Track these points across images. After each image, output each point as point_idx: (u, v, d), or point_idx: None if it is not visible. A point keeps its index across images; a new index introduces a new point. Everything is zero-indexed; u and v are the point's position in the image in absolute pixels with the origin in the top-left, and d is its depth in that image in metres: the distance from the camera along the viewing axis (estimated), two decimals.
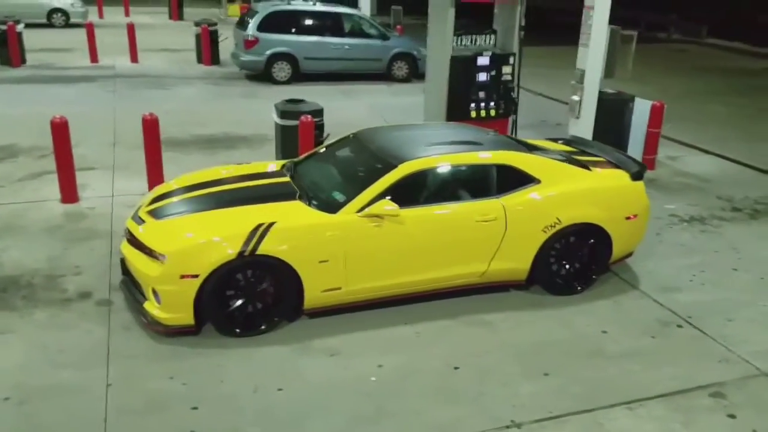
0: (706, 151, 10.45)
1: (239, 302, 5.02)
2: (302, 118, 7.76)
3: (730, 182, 9.10)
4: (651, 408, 4.45)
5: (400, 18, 17.20)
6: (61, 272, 6.02)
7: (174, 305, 4.92)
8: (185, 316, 4.96)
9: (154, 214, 5.38)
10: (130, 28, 16.49)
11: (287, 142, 7.99)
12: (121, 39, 17.59)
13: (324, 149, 6.39)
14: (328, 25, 14.97)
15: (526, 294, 5.86)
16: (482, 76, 8.37)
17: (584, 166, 5.99)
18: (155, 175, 7.82)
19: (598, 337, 5.29)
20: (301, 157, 6.42)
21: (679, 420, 4.34)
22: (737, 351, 5.13)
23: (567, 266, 5.83)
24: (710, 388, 4.67)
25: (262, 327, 5.13)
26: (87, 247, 6.51)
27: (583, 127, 9.21)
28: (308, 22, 14.81)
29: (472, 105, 8.40)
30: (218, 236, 4.91)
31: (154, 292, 4.97)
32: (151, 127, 7.70)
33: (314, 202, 5.32)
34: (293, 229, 5.03)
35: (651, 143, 9.42)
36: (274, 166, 6.24)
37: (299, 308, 5.23)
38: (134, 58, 16.59)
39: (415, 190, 5.40)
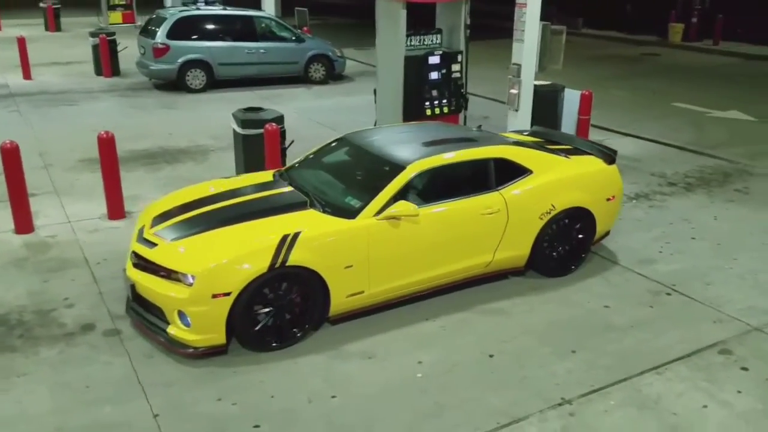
0: (626, 134, 11.28)
1: (270, 316, 4.96)
2: (267, 126, 7.67)
3: (657, 160, 9.90)
4: (675, 370, 4.86)
5: (305, 19, 17.12)
6: (50, 306, 5.65)
7: (205, 326, 4.79)
8: (217, 336, 4.84)
9: (164, 235, 5.18)
10: (21, 42, 15.36)
11: (251, 152, 7.86)
12: (3, 54, 16.39)
13: (313, 156, 6.38)
14: (242, 29, 14.69)
15: (524, 279, 6.16)
16: (434, 75, 8.62)
17: (563, 154, 6.37)
18: (115, 197, 7.46)
19: (603, 312, 5.67)
20: (291, 165, 6.37)
21: (702, 378, 4.77)
22: (725, 311, 5.68)
23: (560, 249, 6.18)
24: (717, 347, 5.16)
25: (298, 335, 5.10)
26: (66, 277, 6.14)
27: (522, 118, 9.69)
28: (220, 27, 14.47)
29: (427, 103, 8.63)
30: (246, 251, 4.82)
31: (181, 314, 4.81)
32: (107, 145, 7.33)
33: (327, 209, 5.34)
34: (318, 237, 5.03)
35: (582, 129, 10.06)
36: (265, 176, 6.16)
37: (324, 316, 5.24)
38: (27, 75, 15.48)
39: (424, 189, 5.54)
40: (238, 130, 7.91)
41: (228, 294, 4.73)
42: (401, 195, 5.33)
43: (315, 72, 15.46)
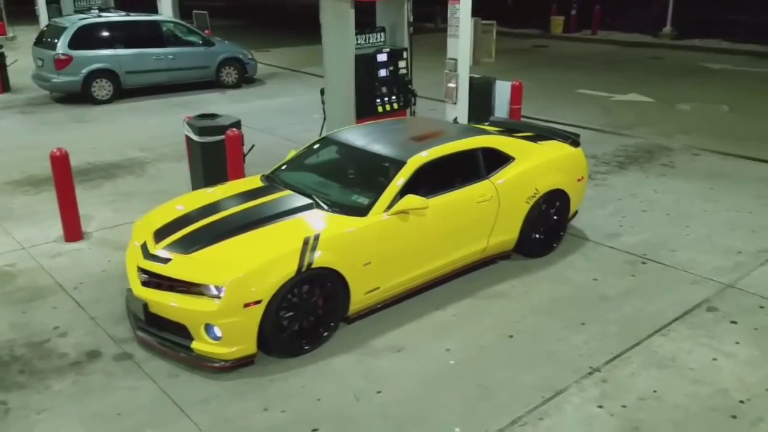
0: (548, 121, 11.91)
1: (298, 320, 4.92)
2: (228, 132, 7.49)
3: (583, 143, 10.45)
4: (677, 330, 5.30)
5: (206, 22, 16.68)
6: (41, 337, 5.28)
7: (237, 337, 4.68)
8: (248, 347, 4.75)
9: (176, 248, 4.99)
10: None
11: (211, 160, 7.63)
12: None
13: (298, 158, 6.32)
14: (148, 35, 14.10)
15: (511, 263, 6.44)
16: (383, 72, 8.74)
17: (534, 141, 6.72)
18: (72, 218, 7.02)
19: (594, 285, 6.05)
20: (275, 168, 6.28)
21: (702, 335, 5.23)
22: (698, 273, 6.23)
23: (542, 230, 6.51)
24: (703, 306, 5.66)
25: (325, 335, 5.09)
26: (46, 306, 5.75)
27: (461, 110, 10.01)
28: (125, 33, 13.82)
29: (378, 100, 8.74)
30: (273, 257, 4.75)
31: (208, 328, 4.68)
32: (61, 164, 6.89)
33: (336, 209, 5.34)
34: (337, 237, 5.04)
35: (515, 118, 10.53)
36: (253, 182, 6.05)
37: (343, 315, 5.25)
38: None
39: (424, 182, 5.66)
40: (195, 138, 7.65)
41: (259, 302, 4.64)
42: (406, 190, 5.43)
43: (227, 76, 15.13)
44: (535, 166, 6.30)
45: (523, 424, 4.27)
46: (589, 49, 20.87)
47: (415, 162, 5.57)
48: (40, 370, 4.87)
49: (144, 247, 5.16)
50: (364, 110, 8.62)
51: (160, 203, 7.81)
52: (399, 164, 5.56)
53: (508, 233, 6.18)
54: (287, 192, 5.64)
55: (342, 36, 8.35)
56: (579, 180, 6.75)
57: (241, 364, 4.80)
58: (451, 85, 9.88)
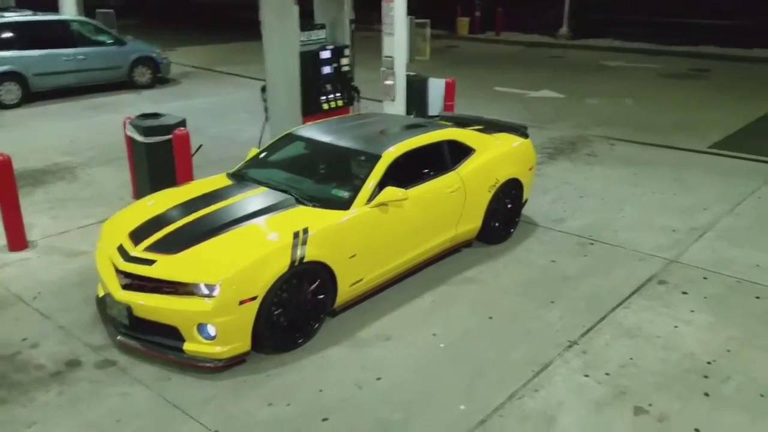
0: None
1: (289, 314, 4.93)
2: (176, 131, 7.32)
3: None
4: (636, 303, 5.71)
5: (113, 21, 16.00)
6: (11, 350, 5.00)
7: (232, 335, 4.64)
8: (243, 344, 4.72)
9: (159, 249, 4.87)
10: None
11: (157, 160, 7.42)
12: None
13: (263, 155, 6.30)
14: (56, 35, 13.42)
15: (474, 250, 6.69)
16: (327, 69, 8.78)
17: (488, 133, 7.01)
18: (16, 227, 6.66)
19: (554, 266, 6.41)
20: (241, 165, 6.22)
21: (660, 305, 5.68)
22: (642, 250, 6.72)
23: (500, 217, 6.81)
24: (654, 279, 6.14)
25: (315, 326, 5.13)
26: (7, 317, 5.46)
27: (399, 106, 10.23)
28: (32, 34, 13.08)
29: (323, 97, 8.78)
30: (265, 253, 4.74)
31: (201, 327, 4.61)
32: (4, 170, 6.51)
33: (316, 204, 5.39)
34: (325, 230, 5.09)
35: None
36: (221, 180, 5.97)
37: (330, 308, 5.31)
38: None
39: (397, 175, 5.80)
40: (140, 139, 7.42)
41: (254, 298, 4.63)
42: (382, 182, 5.56)
43: (140, 76, 14.64)
44: (494, 156, 6.59)
45: (520, 396, 4.51)
46: (495, 50, 21.69)
47: (389, 155, 5.71)
48: (19, 382, 4.63)
49: (122, 249, 5.00)
50: (310, 108, 8.65)
51: (101, 208, 7.62)
52: (374, 158, 5.67)
53: (473, 222, 6.43)
54: (262, 189, 5.62)
55: (286, 33, 8.34)
56: (530, 169, 7.11)
57: (235, 362, 4.76)
58: (389, 82, 10.07)
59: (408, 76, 10.19)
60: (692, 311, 5.58)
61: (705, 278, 6.14)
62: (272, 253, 4.76)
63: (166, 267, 4.73)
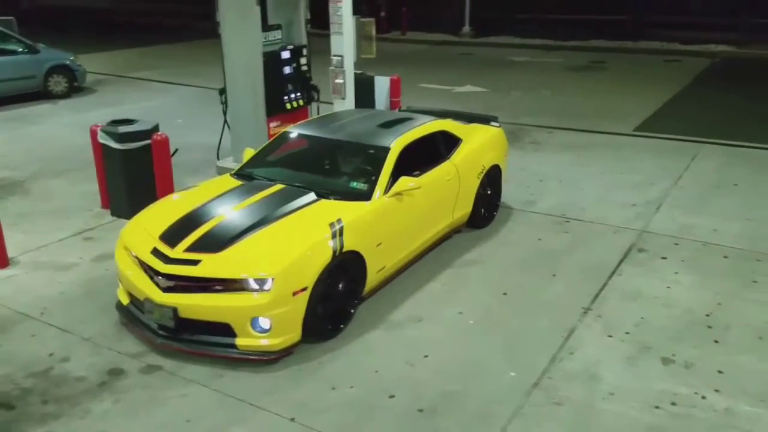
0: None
1: (332, 302, 5.07)
2: (155, 136, 7.19)
3: None
4: (627, 271, 6.25)
5: (14, 29, 15.09)
6: (41, 366, 4.83)
7: (286, 326, 4.74)
8: (295, 335, 4.82)
9: (199, 249, 4.86)
10: None
11: (134, 168, 7.24)
12: None
13: (264, 154, 6.34)
14: None
15: (464, 234, 7.03)
16: (287, 69, 8.84)
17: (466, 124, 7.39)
18: None
19: (542, 244, 6.87)
20: (244, 165, 6.24)
21: (647, 270, 6.25)
22: (613, 224, 7.32)
23: (485, 202, 7.19)
24: (634, 249, 6.72)
25: (351, 312, 5.30)
26: (22, 335, 5.24)
27: (348, 105, 10.43)
28: None
29: (285, 97, 8.83)
30: (310, 244, 4.87)
31: (254, 321, 4.67)
32: None
33: (338, 197, 5.54)
34: (356, 221, 5.25)
35: (395, 109, 11.19)
36: (228, 181, 5.97)
37: (360, 295, 5.47)
38: None
39: (404, 165, 6.04)
40: (116, 146, 7.20)
41: (305, 289, 4.75)
42: (394, 173, 5.79)
43: (56, 85, 13.92)
44: (479, 145, 6.98)
45: (561, 359, 4.90)
46: (404, 48, 22.21)
47: (398, 146, 5.95)
48: (66, 396, 4.50)
49: (158, 252, 4.93)
50: (273, 108, 8.69)
51: (72, 221, 7.41)
52: (384, 150, 5.89)
53: (465, 207, 6.78)
54: (280, 186, 5.69)
55: (248, 34, 8.35)
56: (505, 155, 7.56)
57: (286, 354, 4.85)
58: (339, 81, 10.23)
59: (355, 74, 10.42)
60: (676, 273, 6.20)
61: (676, 244, 6.81)
62: (317, 244, 4.89)
63: (212, 265, 4.74)
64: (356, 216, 5.30)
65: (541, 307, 5.63)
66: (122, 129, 7.22)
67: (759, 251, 6.59)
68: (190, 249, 4.88)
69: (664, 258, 6.51)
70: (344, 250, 5.02)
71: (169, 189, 7.38)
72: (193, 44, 23.30)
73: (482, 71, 17.47)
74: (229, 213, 5.28)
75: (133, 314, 5.16)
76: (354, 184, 5.74)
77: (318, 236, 4.95)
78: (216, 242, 4.92)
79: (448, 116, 7.61)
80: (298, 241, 4.89)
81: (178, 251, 4.88)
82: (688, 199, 8.02)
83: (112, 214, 7.53)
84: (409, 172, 5.99)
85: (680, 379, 4.65)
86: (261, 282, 4.64)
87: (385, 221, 5.56)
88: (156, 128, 7.43)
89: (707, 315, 5.48)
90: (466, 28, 23.69)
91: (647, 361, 4.86)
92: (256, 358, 4.74)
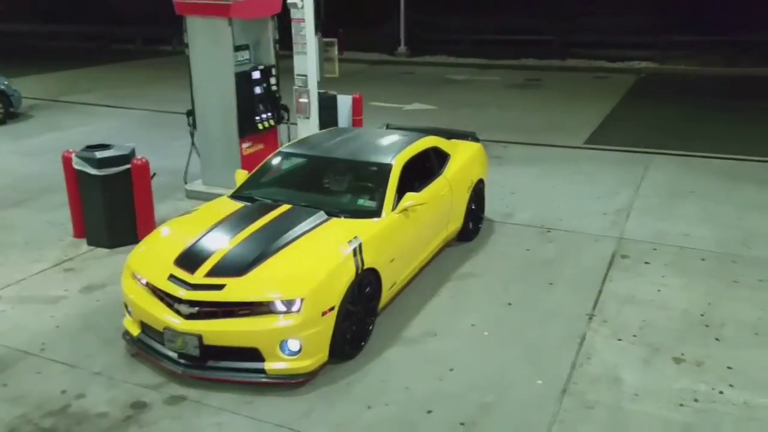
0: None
1: (353, 320, 5.05)
2: (135, 161, 6.98)
3: None
4: (616, 276, 6.50)
5: None
6: (57, 404, 4.59)
7: (315, 347, 4.71)
8: (323, 356, 4.80)
9: (220, 273, 4.75)
10: None
11: (112, 192, 7.00)
12: None
13: (258, 176, 6.26)
14: None
15: (453, 248, 7.14)
16: (258, 89, 8.75)
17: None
18: None
19: (530, 254, 7.06)
20: (240, 187, 6.13)
21: (635, 275, 6.51)
22: (592, 233, 7.58)
23: (472, 215, 7.34)
24: (617, 255, 6.98)
25: (370, 328, 5.30)
26: (27, 373, 4.99)
27: (312, 124, 10.43)
28: None
29: (257, 118, 8.73)
30: (334, 264, 4.86)
31: (283, 345, 4.61)
32: None
33: (347, 215, 5.55)
34: (371, 238, 5.27)
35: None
36: (229, 204, 5.87)
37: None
38: None
39: (404, 182, 6.09)
40: (93, 171, 6.93)
41: (332, 308, 4.73)
42: (399, 189, 5.86)
43: None
44: (466, 160, 7.14)
45: (581, 365, 5.06)
46: (345, 68, 22.12)
47: (399, 162, 6.03)
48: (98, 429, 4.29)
49: (176, 279, 4.78)
50: (246, 128, 8.59)
51: (46, 251, 7.13)
52: (387, 167, 5.95)
53: (457, 221, 6.91)
54: (286, 206, 5.64)
55: (220, 55, 8.24)
56: (486, 170, 7.75)
57: (313, 376, 4.79)
58: (303, 100, 10.23)
59: (318, 93, 10.44)
60: (663, 276, 6.51)
61: (654, 249, 7.15)
62: (341, 263, 4.88)
63: (238, 289, 4.65)
64: (372, 233, 5.32)
65: (548, 316, 5.79)
66: (100, 154, 6.97)
67: (731, 253, 7.01)
68: (211, 274, 4.77)
69: (647, 263, 6.82)
70: (365, 267, 5.03)
71: (149, 215, 7.18)
72: (123, 66, 22.77)
73: (426, 89, 17.80)
74: (243, 235, 5.18)
75: (147, 344, 4.98)
76: (362, 202, 5.76)
77: (341, 255, 4.94)
78: (237, 266, 4.82)
79: (429, 133, 7.75)
80: (322, 261, 4.87)
81: (198, 277, 4.75)
82: (652, 206, 8.44)
83: (89, 243, 7.22)
84: (407, 188, 6.06)
85: (695, 377, 4.89)
86: (289, 303, 4.59)
87: (395, 237, 5.60)
88: (133, 152, 7.21)
89: (702, 315, 5.78)
90: (402, 48, 24.11)
91: (660, 362, 5.09)
92: (285, 381, 4.67)
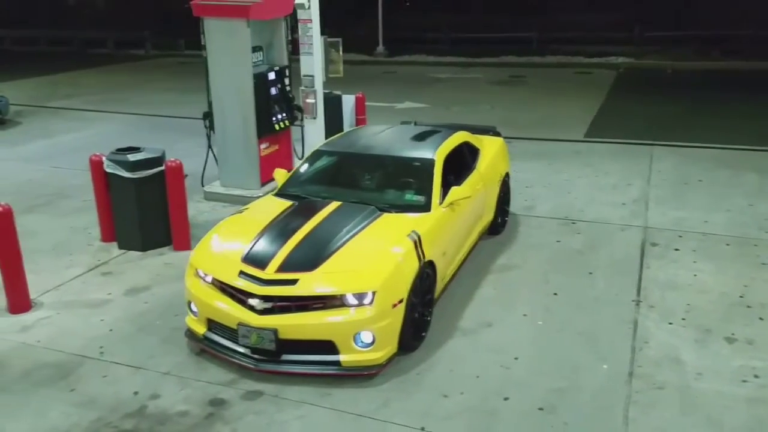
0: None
1: (416, 311, 5.11)
2: (168, 163, 6.93)
3: None
4: (651, 264, 6.66)
5: None
6: (134, 406, 4.57)
7: (387, 339, 4.77)
8: (393, 347, 4.87)
9: (291, 269, 4.77)
10: None
11: (147, 195, 6.93)
12: None
13: (300, 174, 6.27)
14: None
15: (485, 242, 7.22)
16: (273, 90, 8.74)
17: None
18: (19, 286, 5.93)
19: (562, 245, 7.20)
20: (283, 185, 6.14)
21: (669, 262, 6.69)
22: (616, 222, 7.78)
23: (498, 209, 7.45)
24: (647, 243, 7.16)
25: (428, 319, 5.37)
26: (90, 378, 4.92)
27: (319, 124, 10.45)
28: None
29: (273, 118, 8.72)
30: (400, 256, 4.91)
31: (356, 337, 4.66)
32: (4, 221, 5.70)
33: (398, 210, 5.61)
34: (428, 232, 5.34)
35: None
36: (279, 203, 5.86)
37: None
38: None
39: (444, 175, 6.16)
40: (127, 174, 6.85)
41: (402, 300, 4.79)
42: (443, 183, 5.94)
43: None
44: (494, 154, 7.26)
45: (640, 349, 5.20)
46: None
47: (440, 157, 6.11)
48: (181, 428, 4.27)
49: (247, 275, 4.79)
50: (263, 129, 8.58)
51: (78, 256, 7.04)
52: (430, 162, 6.03)
53: (489, 214, 7.02)
54: (337, 203, 5.66)
55: (239, 56, 8.22)
56: (509, 164, 7.88)
57: (384, 367, 4.84)
58: (311, 100, 10.25)
59: (323, 94, 10.47)
60: (695, 262, 6.72)
61: (680, 236, 7.36)
62: (406, 256, 4.95)
63: (312, 283, 4.69)
64: (427, 227, 5.39)
65: (595, 303, 5.93)
66: (133, 157, 6.89)
67: (752, 237, 7.26)
68: (282, 269, 4.79)
69: (677, 249, 7.02)
70: (425, 259, 5.10)
71: (183, 217, 7.12)
72: (100, 69, 22.41)
73: (413, 88, 17.92)
74: (304, 232, 5.20)
75: (214, 341, 4.97)
76: (410, 197, 5.83)
77: (405, 248, 5.00)
78: (306, 261, 4.85)
79: (453, 128, 7.85)
80: (387, 255, 4.92)
81: (270, 272, 4.77)
82: (667, 196, 8.67)
83: (120, 246, 7.14)
84: (445, 183, 6.15)
85: (750, 354, 5.08)
86: (362, 296, 4.64)
87: (445, 230, 5.68)
88: (163, 155, 7.14)
89: (741, 297, 5.99)
90: (380, 48, 24.19)
91: (714, 342, 5.26)
92: (358, 373, 4.71)
